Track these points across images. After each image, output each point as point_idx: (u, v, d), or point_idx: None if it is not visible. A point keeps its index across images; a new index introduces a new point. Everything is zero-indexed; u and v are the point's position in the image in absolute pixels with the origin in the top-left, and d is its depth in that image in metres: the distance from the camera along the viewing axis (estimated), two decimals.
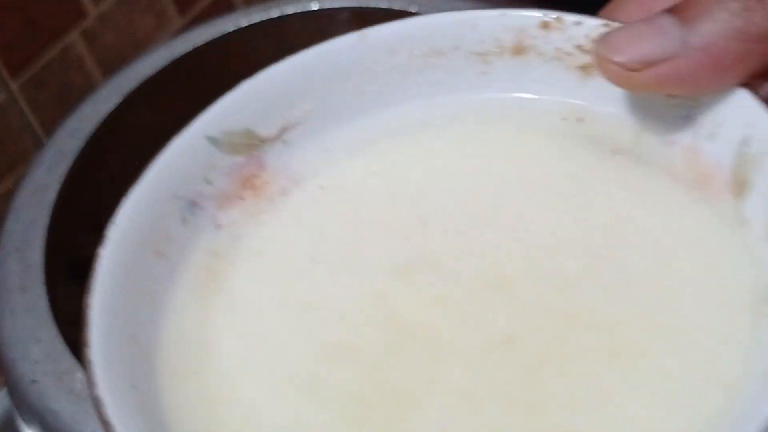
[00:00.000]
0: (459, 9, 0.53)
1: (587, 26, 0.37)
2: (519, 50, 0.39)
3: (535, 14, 0.38)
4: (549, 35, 0.38)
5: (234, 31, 0.58)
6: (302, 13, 0.58)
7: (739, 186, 0.35)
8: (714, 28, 0.33)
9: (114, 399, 0.30)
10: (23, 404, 0.47)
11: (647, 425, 0.31)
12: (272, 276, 0.36)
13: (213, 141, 0.38)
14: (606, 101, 0.38)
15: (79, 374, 0.46)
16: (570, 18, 0.38)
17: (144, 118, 0.59)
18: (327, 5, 0.58)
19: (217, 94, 0.61)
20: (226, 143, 0.38)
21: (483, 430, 0.32)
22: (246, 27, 0.58)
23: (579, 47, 0.38)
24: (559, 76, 0.39)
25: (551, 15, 0.38)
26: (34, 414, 0.46)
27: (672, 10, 0.34)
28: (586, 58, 0.38)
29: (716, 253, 0.35)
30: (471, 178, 0.38)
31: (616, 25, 0.36)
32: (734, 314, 0.33)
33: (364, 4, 0.57)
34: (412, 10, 0.55)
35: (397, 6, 0.55)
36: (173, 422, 0.32)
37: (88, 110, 0.56)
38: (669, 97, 0.36)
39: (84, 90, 0.79)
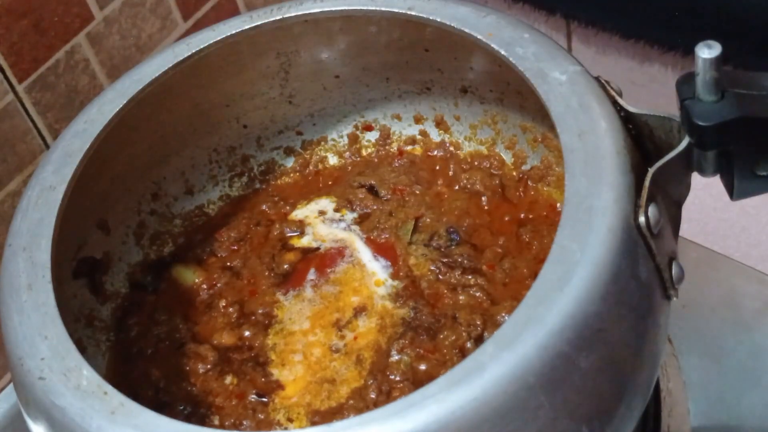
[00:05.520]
0: (456, 12, 0.54)
1: None
2: None
3: None
4: None
5: (236, 34, 0.58)
6: (303, 15, 0.58)
7: None
8: None
9: None
10: (30, 400, 0.47)
11: None
12: None
13: None
14: None
15: (85, 371, 0.46)
16: None
17: (148, 119, 0.59)
18: (327, 9, 0.57)
19: (219, 96, 0.62)
20: None
21: None
22: (248, 29, 0.58)
23: None
24: None
25: None
26: (40, 410, 0.46)
27: None
28: None
29: None
30: None
31: None
32: None
33: (364, 7, 0.56)
34: (413, 13, 0.55)
35: (396, 8, 0.55)
36: None
37: (93, 112, 0.56)
38: None
39: (90, 92, 0.79)
